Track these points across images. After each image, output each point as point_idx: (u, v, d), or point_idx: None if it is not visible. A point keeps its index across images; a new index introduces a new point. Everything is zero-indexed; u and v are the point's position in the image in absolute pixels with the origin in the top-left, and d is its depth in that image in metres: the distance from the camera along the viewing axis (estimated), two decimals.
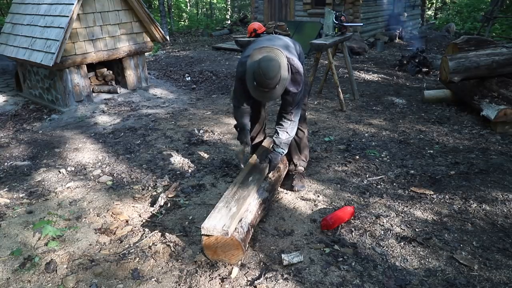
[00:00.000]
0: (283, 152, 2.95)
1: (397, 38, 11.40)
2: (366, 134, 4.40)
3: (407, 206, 2.95)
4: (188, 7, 22.65)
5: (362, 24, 9.01)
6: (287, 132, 2.87)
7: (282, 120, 2.86)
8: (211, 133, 4.56)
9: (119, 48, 5.99)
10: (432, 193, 3.12)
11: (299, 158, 3.34)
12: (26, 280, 2.26)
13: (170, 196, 3.16)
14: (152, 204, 3.07)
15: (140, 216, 2.93)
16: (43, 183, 3.50)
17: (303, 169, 3.35)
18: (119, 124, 4.98)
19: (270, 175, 3.00)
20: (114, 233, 2.70)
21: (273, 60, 2.42)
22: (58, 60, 5.04)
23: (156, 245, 2.55)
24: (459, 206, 2.94)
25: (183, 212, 2.93)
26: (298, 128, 3.12)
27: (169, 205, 3.03)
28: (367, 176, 3.44)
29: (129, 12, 6.01)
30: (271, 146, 3.04)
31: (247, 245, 2.45)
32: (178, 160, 3.87)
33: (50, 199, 3.18)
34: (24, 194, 3.31)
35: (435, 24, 15.85)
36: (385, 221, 2.77)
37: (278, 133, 2.88)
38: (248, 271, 2.30)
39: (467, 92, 5.04)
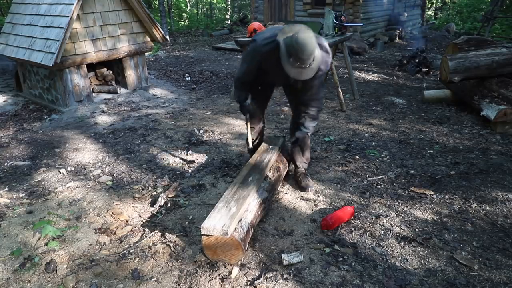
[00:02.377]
0: (309, 132, 3.01)
1: (397, 38, 11.40)
2: (366, 134, 4.40)
3: (407, 206, 2.95)
4: (188, 7, 22.64)
5: (362, 24, 9.01)
6: (314, 120, 2.92)
7: (308, 108, 2.86)
8: (211, 133, 4.56)
9: (119, 48, 5.99)
10: (432, 193, 3.12)
11: (301, 161, 3.33)
12: (26, 280, 2.26)
13: (170, 196, 3.16)
14: (152, 204, 3.07)
15: (140, 216, 2.93)
16: (43, 183, 3.50)
17: (304, 170, 3.35)
18: (119, 124, 4.98)
19: (270, 175, 3.00)
20: (114, 233, 2.70)
21: (309, 33, 2.35)
22: (58, 60, 5.04)
23: (156, 245, 2.55)
24: (459, 206, 2.94)
25: (183, 212, 2.93)
26: None
27: (169, 205, 3.03)
28: (367, 176, 3.44)
29: (129, 12, 6.01)
30: (300, 125, 3.00)
31: (247, 245, 2.45)
32: (178, 160, 3.87)
33: (50, 199, 3.18)
34: (24, 194, 3.31)
35: (435, 24, 15.86)
36: (385, 221, 2.77)
37: (306, 122, 2.91)
38: (248, 271, 2.30)
39: (467, 92, 5.04)
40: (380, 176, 3.42)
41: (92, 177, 3.57)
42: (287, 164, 3.38)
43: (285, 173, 3.32)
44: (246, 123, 3.22)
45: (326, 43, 2.63)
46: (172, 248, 2.52)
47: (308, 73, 2.44)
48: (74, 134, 4.71)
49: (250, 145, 3.25)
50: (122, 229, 2.74)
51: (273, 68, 2.65)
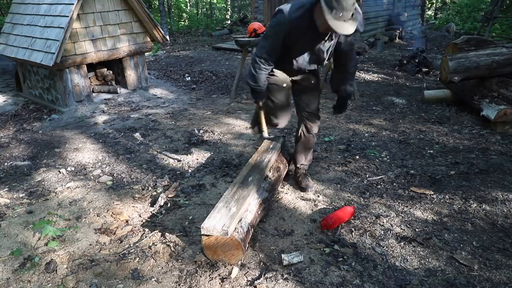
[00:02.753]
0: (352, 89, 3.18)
1: (397, 38, 11.41)
2: (366, 134, 4.41)
3: (407, 206, 2.95)
4: (188, 7, 22.65)
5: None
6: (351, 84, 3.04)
7: (347, 74, 2.94)
8: (211, 133, 4.56)
9: (119, 48, 5.99)
10: (432, 193, 3.12)
11: (303, 162, 3.31)
12: (26, 280, 2.26)
13: (170, 196, 3.16)
14: (152, 204, 3.07)
15: (140, 216, 2.93)
16: (43, 183, 3.50)
17: (304, 170, 3.35)
18: (119, 124, 4.98)
19: (270, 175, 3.00)
20: (114, 233, 2.70)
21: None
22: (58, 60, 5.04)
23: (156, 245, 2.55)
24: (459, 206, 2.94)
25: (183, 212, 2.93)
26: (311, 135, 3.15)
27: (169, 205, 3.03)
28: (367, 176, 3.44)
29: (129, 12, 6.01)
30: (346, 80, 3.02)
31: (247, 245, 2.45)
32: (178, 160, 3.87)
33: (50, 199, 3.18)
34: (24, 194, 3.31)
35: (435, 24, 15.88)
36: (385, 221, 2.77)
37: (347, 86, 3.00)
38: (248, 271, 2.30)
39: (467, 92, 5.04)
40: (380, 176, 3.42)
41: (92, 177, 3.57)
42: (287, 164, 3.38)
43: (285, 173, 3.32)
44: (259, 110, 3.04)
45: (356, 3, 2.55)
46: (172, 248, 2.52)
47: (350, 27, 2.36)
48: (74, 134, 4.71)
49: (266, 134, 3.23)
50: (122, 229, 2.74)
51: (302, 39, 2.60)
